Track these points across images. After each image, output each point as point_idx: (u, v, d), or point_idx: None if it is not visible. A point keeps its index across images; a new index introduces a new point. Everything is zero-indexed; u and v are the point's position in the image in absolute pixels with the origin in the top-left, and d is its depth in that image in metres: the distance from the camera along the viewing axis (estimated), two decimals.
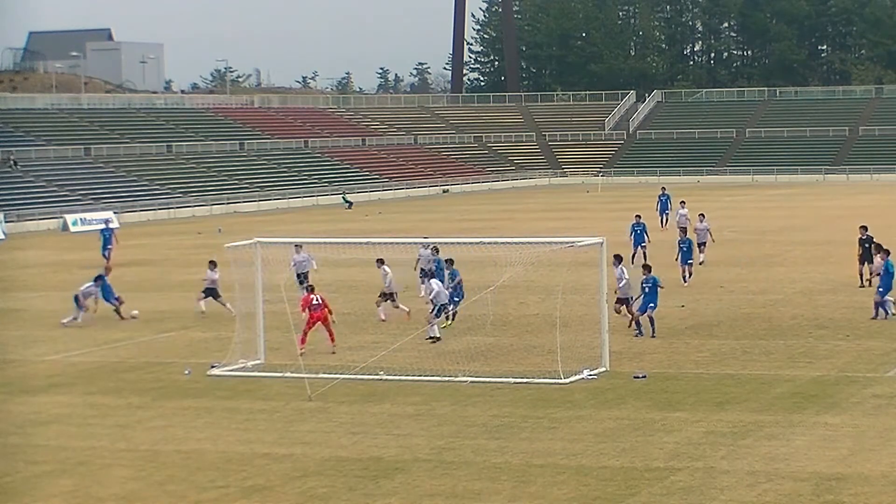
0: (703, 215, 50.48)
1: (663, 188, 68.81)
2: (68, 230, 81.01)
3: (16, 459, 22.07)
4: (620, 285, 33.44)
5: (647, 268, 34.06)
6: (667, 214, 63.92)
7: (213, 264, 38.38)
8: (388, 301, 36.45)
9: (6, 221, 79.72)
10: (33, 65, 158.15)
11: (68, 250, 64.51)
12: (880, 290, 34.87)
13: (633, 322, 32.82)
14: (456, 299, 33.88)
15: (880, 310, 34.52)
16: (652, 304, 32.61)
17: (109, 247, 54.81)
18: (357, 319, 35.83)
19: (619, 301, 33.45)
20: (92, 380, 29.33)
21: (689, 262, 42.72)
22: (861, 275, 40.17)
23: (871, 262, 39.05)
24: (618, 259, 33.69)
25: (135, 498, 19.65)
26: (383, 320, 35.97)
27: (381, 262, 36.29)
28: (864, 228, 40.65)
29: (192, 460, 21.67)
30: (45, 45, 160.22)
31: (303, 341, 31.08)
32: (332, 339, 31.55)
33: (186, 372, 29.62)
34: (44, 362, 31.90)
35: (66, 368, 30.88)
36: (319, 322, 31.22)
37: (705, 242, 48.70)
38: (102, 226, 60.77)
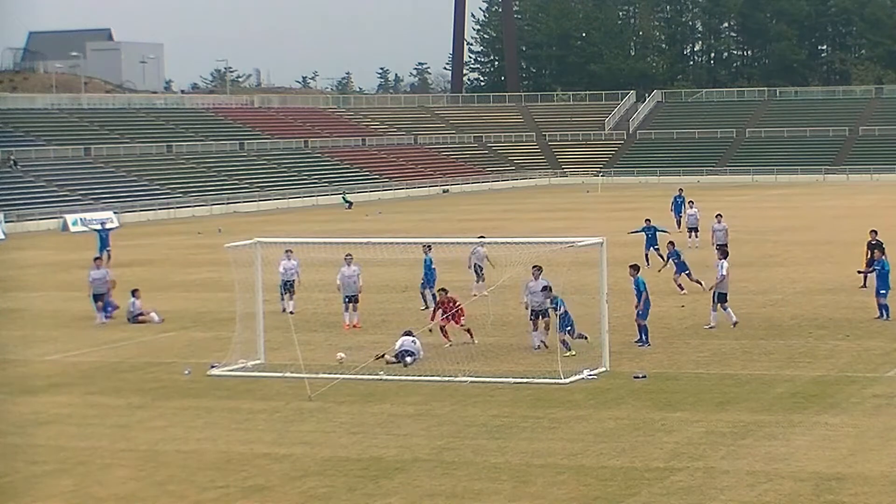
0: (720, 216, 49.74)
1: (680, 189, 68.41)
2: (68, 230, 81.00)
3: (16, 459, 22.06)
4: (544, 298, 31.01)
5: (634, 268, 31.75)
6: (682, 216, 63.92)
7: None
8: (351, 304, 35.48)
9: (6, 221, 79.74)
10: (33, 65, 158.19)
11: (68, 250, 64.48)
12: (881, 292, 34.88)
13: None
14: (569, 328, 30.44)
15: (883, 311, 34.53)
16: (641, 311, 31.10)
17: (108, 248, 54.44)
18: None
19: (535, 313, 31.01)
20: (92, 380, 29.32)
21: (685, 272, 40.71)
22: (865, 276, 40.20)
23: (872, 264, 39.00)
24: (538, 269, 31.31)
25: (135, 498, 19.65)
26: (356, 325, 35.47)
27: (349, 258, 35.77)
28: (875, 233, 40.83)
29: (192, 460, 21.67)
30: (45, 45, 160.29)
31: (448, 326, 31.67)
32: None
33: (186, 372, 29.60)
34: (44, 362, 31.89)
35: (66, 368, 30.87)
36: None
37: (726, 244, 45.75)
38: (98, 226, 60.63)
